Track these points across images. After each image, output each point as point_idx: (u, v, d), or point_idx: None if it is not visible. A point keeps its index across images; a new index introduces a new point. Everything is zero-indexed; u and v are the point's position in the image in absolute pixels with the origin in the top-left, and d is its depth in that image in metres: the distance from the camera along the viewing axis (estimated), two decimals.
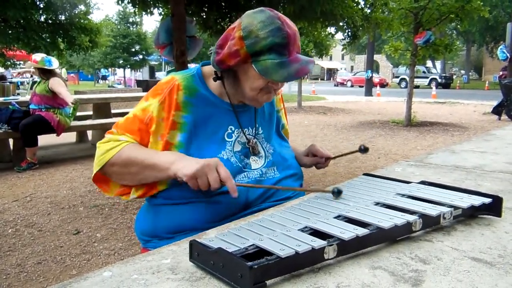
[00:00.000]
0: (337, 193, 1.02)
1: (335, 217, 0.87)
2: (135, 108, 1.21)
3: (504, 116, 9.65)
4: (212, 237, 0.78)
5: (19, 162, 5.05)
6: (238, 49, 1.08)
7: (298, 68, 1.08)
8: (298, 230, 0.80)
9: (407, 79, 9.91)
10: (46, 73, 5.06)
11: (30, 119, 4.93)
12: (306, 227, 0.82)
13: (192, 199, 1.14)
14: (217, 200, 1.13)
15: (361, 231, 0.77)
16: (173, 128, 1.16)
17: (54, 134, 5.25)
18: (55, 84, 4.99)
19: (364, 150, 1.29)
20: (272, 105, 1.36)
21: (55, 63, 5.18)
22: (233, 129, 1.22)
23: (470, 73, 40.39)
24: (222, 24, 5.40)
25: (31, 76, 5.63)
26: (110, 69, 39.18)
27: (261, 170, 1.21)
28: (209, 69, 1.24)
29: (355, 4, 5.29)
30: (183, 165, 1.05)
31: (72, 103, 5.01)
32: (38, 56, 5.12)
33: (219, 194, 1.13)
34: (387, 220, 0.83)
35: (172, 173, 1.07)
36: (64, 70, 8.74)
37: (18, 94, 5.90)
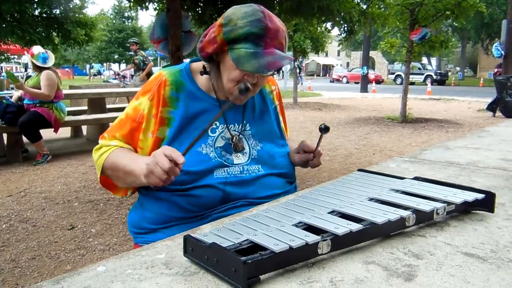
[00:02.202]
0: (325, 129, 1.19)
1: (329, 213, 0.87)
2: (127, 108, 1.23)
3: (498, 113, 9.70)
4: (206, 232, 0.78)
5: (15, 158, 5.07)
6: (215, 36, 1.10)
7: (271, 60, 1.06)
8: (292, 225, 0.80)
9: (403, 75, 9.94)
10: (39, 67, 5.05)
11: (27, 116, 4.89)
12: (300, 222, 0.82)
13: (173, 191, 1.14)
14: (195, 194, 1.13)
15: (355, 227, 0.78)
16: (162, 124, 1.17)
17: (50, 129, 5.23)
18: (42, 76, 4.97)
19: (324, 129, 1.21)
20: (265, 103, 1.34)
21: (50, 61, 5.13)
22: (217, 124, 1.22)
23: (465, 70, 40.55)
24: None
25: (25, 70, 5.59)
26: (105, 64, 38.95)
27: (243, 166, 1.20)
28: (197, 65, 1.25)
29: None
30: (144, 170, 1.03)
31: (40, 98, 4.95)
32: (36, 50, 5.09)
33: (197, 188, 1.13)
34: (381, 215, 0.83)
35: (144, 180, 1.05)
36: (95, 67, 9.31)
37: (12, 88, 5.85)
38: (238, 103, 1.19)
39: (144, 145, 1.18)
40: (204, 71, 1.19)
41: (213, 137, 1.20)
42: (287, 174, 1.30)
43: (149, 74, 10.07)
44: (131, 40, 10.20)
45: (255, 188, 1.20)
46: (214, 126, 1.22)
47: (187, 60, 1.39)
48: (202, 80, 1.22)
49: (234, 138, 1.22)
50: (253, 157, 1.23)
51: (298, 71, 22.99)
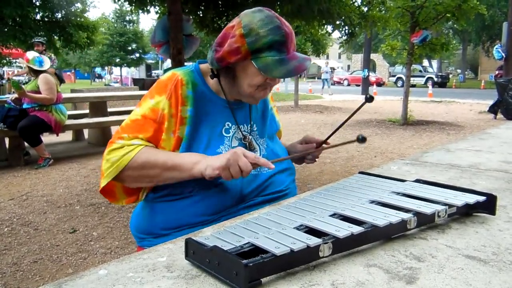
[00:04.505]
0: (362, 140, 1.15)
1: (330, 215, 0.87)
2: (141, 109, 1.19)
3: (500, 115, 9.69)
4: (207, 235, 0.78)
5: (17, 161, 5.09)
6: (239, 47, 1.10)
7: (296, 65, 1.11)
8: (294, 228, 0.80)
9: (404, 78, 9.94)
10: (36, 72, 5.06)
11: (26, 121, 4.89)
12: (301, 225, 0.82)
13: (187, 193, 1.15)
14: (212, 194, 1.15)
15: (356, 229, 0.78)
16: (182, 123, 1.18)
17: (51, 133, 5.24)
18: (40, 80, 4.98)
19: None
20: (265, 103, 1.38)
21: (46, 65, 5.13)
22: (230, 125, 1.24)
23: (466, 72, 40.52)
24: (219, 22, 5.40)
25: (27, 74, 5.60)
26: (106, 68, 39.03)
27: None
28: (206, 67, 1.26)
29: (352, 2, 5.30)
30: (211, 162, 1.07)
31: (42, 102, 4.96)
32: (30, 54, 5.11)
33: (214, 187, 1.14)
34: (382, 218, 0.83)
35: (197, 172, 1.09)
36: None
37: (14, 92, 5.86)
38: (254, 103, 1.26)
39: (166, 144, 1.18)
40: (213, 75, 1.20)
41: (228, 137, 1.22)
42: (291, 169, 1.36)
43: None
44: (36, 40, 7.60)
45: (267, 186, 1.23)
46: (227, 127, 1.23)
47: (188, 64, 1.41)
48: (211, 82, 1.24)
49: (246, 138, 1.25)
50: (263, 154, 1.27)
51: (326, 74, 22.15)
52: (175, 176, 1.13)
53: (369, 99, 1.22)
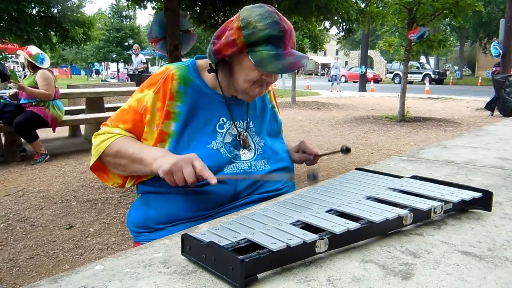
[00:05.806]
0: (313, 177, 1.18)
1: (326, 211, 0.87)
2: (130, 99, 1.23)
3: (496, 112, 9.72)
4: (204, 231, 0.78)
5: (13, 157, 5.08)
6: (235, 39, 1.10)
7: (292, 61, 1.10)
8: (290, 224, 0.80)
9: (401, 74, 9.95)
10: (35, 67, 5.04)
11: (22, 117, 4.86)
12: (298, 221, 0.82)
13: (180, 188, 1.14)
14: (206, 190, 1.14)
15: (352, 225, 0.78)
16: (167, 117, 1.17)
17: (48, 129, 5.21)
18: (39, 76, 4.96)
19: (346, 150, 1.30)
20: (264, 102, 1.38)
21: (46, 63, 5.12)
22: (224, 120, 1.24)
23: (463, 69, 40.60)
24: (216, 18, 5.37)
25: (23, 69, 5.56)
26: (103, 63, 38.88)
27: (250, 162, 1.23)
28: (203, 62, 1.27)
29: None
30: (163, 162, 1.07)
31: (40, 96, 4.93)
32: (33, 50, 5.08)
33: (209, 184, 1.13)
34: (378, 214, 0.83)
35: (154, 169, 1.09)
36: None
37: (10, 87, 5.82)
38: (249, 101, 1.26)
39: (148, 137, 1.19)
40: (211, 69, 1.20)
41: (222, 133, 1.22)
42: (289, 168, 1.34)
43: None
44: None
45: (263, 184, 1.22)
46: (222, 122, 1.23)
47: (184, 59, 1.41)
48: (208, 77, 1.24)
49: (241, 134, 1.25)
50: (258, 153, 1.26)
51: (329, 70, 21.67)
52: (141, 169, 1.15)
53: (345, 150, 1.26)
